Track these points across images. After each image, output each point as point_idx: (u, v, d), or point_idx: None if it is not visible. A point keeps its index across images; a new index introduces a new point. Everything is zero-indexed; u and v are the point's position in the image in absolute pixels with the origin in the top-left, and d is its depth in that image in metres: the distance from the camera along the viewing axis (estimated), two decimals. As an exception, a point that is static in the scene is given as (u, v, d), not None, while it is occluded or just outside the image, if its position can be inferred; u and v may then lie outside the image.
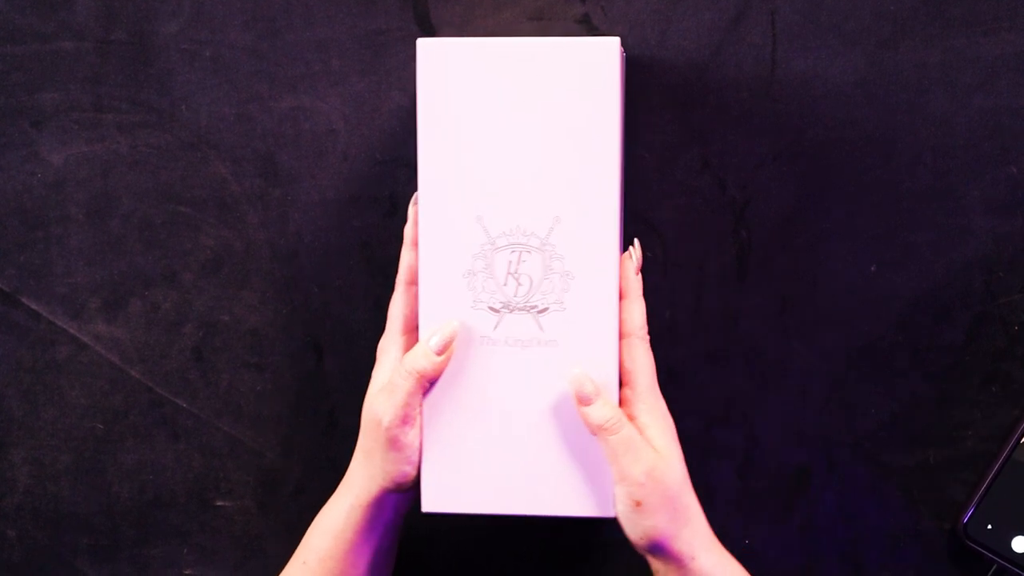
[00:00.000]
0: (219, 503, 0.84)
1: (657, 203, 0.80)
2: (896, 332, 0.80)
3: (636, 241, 0.73)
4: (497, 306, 0.71)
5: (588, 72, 0.70)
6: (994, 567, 0.79)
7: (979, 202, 0.79)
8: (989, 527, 0.79)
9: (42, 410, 0.84)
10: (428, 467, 0.72)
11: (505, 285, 0.71)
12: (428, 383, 0.71)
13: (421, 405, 0.71)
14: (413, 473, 0.72)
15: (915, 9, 0.78)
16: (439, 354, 0.71)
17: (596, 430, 0.70)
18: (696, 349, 0.81)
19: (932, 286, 0.80)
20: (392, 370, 0.72)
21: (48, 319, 0.83)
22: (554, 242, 0.71)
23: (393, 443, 0.71)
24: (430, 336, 0.71)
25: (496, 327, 0.72)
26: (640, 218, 0.80)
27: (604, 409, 0.70)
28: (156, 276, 0.82)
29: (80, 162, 0.82)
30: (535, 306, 0.71)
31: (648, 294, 0.80)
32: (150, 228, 0.82)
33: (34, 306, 0.83)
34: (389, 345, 0.74)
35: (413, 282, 0.73)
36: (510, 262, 0.71)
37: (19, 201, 0.82)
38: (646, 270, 0.80)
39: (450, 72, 0.70)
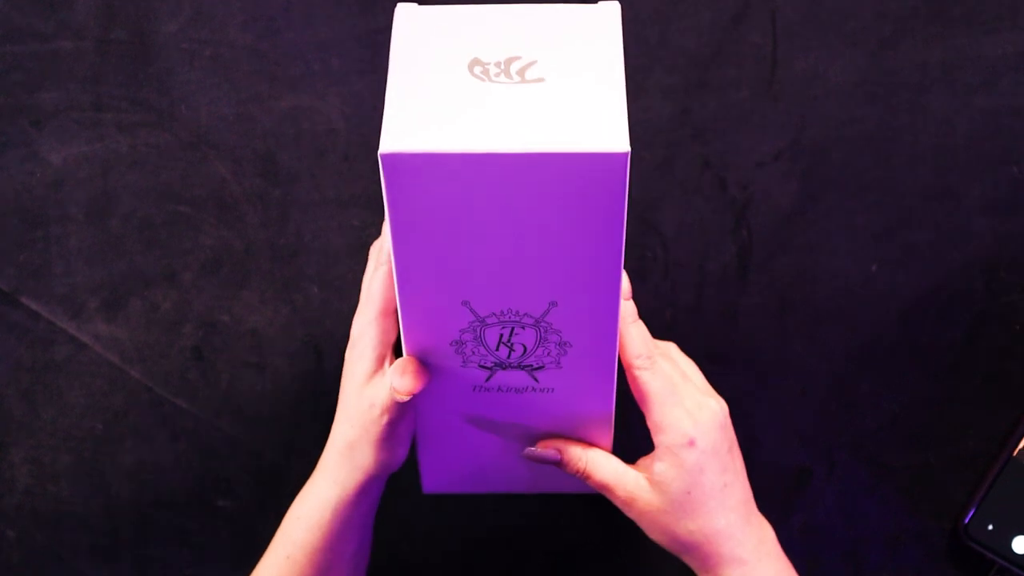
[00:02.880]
0: (219, 503, 0.84)
1: (657, 203, 0.80)
2: (897, 332, 0.80)
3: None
4: (489, 365, 0.66)
5: (592, 190, 0.58)
6: (995, 567, 0.79)
7: (980, 202, 0.79)
8: (990, 527, 0.79)
9: (41, 410, 0.84)
10: (425, 449, 0.70)
11: (497, 350, 0.66)
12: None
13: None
14: (405, 454, 0.71)
15: (916, 8, 0.78)
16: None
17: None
18: (697, 349, 0.81)
19: (933, 286, 0.80)
20: (369, 356, 0.69)
21: (47, 319, 0.83)
22: (551, 320, 0.63)
23: (390, 431, 0.68)
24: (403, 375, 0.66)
25: (488, 379, 0.67)
26: (640, 218, 0.80)
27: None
28: (156, 276, 0.82)
29: (80, 162, 0.81)
30: (530, 365, 0.66)
31: (648, 294, 0.80)
32: (150, 228, 0.82)
33: (33, 306, 0.83)
34: (366, 327, 0.69)
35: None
36: (501, 335, 0.65)
37: (18, 200, 0.82)
38: (647, 270, 0.80)
39: (421, 185, 0.57)
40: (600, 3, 0.63)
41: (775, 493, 0.82)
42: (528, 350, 0.65)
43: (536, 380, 0.67)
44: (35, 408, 0.84)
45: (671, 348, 0.75)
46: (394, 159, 0.56)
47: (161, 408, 0.83)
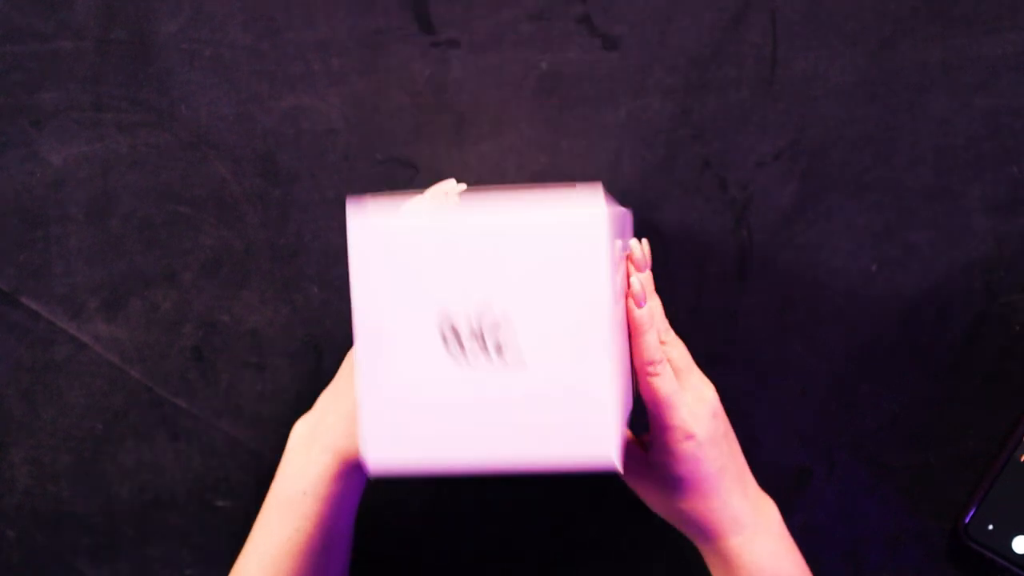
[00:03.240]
0: (219, 503, 0.84)
1: (657, 203, 0.80)
2: (897, 332, 0.80)
3: (633, 273, 0.66)
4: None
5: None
6: (995, 568, 0.79)
7: (980, 202, 0.79)
8: (990, 527, 0.78)
9: (41, 410, 0.84)
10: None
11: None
12: None
13: None
14: None
15: (916, 8, 0.78)
16: None
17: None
18: (696, 349, 0.81)
19: (933, 286, 0.80)
20: None
21: (47, 319, 0.83)
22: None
23: None
24: None
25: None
26: (640, 218, 0.80)
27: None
28: (156, 276, 0.82)
29: (80, 162, 0.81)
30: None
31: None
32: (150, 228, 0.82)
33: (33, 306, 0.83)
34: None
35: None
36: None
37: (18, 201, 0.82)
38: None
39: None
40: (584, 206, 0.56)
41: (775, 493, 0.82)
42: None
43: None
44: (35, 408, 0.84)
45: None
46: (379, 471, 0.58)
47: (161, 408, 0.83)
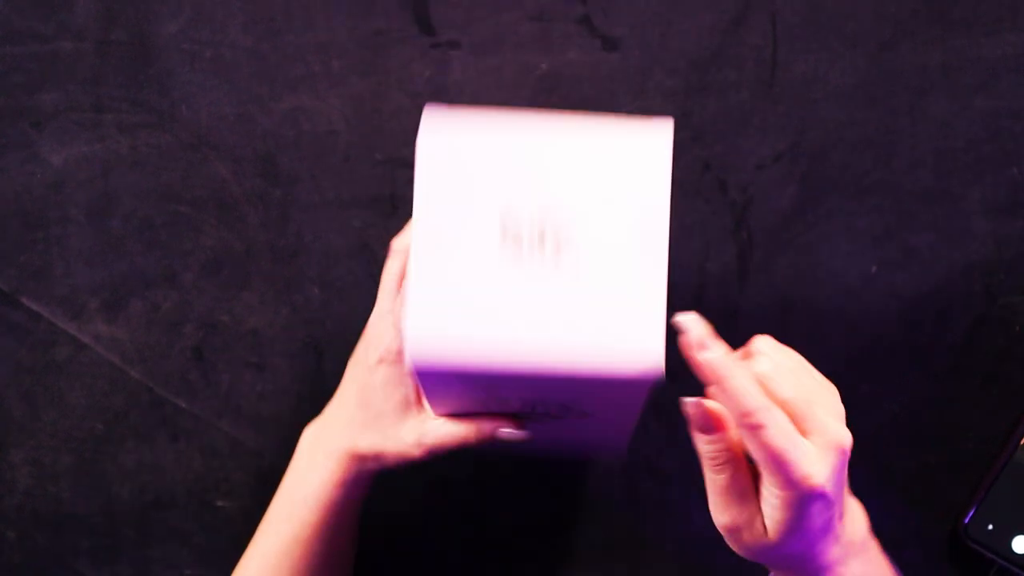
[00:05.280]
0: (219, 504, 0.84)
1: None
2: (896, 333, 0.80)
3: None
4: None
5: (618, 390, 0.57)
6: (995, 567, 0.79)
7: (980, 204, 0.79)
8: (990, 528, 0.79)
9: (42, 411, 0.84)
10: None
11: (521, 410, 0.65)
12: None
13: None
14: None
15: (916, 11, 0.78)
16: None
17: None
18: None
19: (932, 287, 0.80)
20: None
21: (48, 320, 0.83)
22: (573, 403, 0.62)
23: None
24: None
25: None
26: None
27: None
28: (156, 276, 0.82)
29: (80, 163, 0.81)
30: (553, 415, 0.64)
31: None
32: (150, 228, 0.82)
33: (34, 307, 0.83)
34: (384, 315, 0.69)
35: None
36: (524, 409, 0.65)
37: (19, 202, 0.82)
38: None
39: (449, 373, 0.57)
40: (652, 124, 0.57)
41: (775, 494, 0.82)
42: (551, 413, 0.64)
43: (558, 420, 0.66)
44: (36, 409, 0.84)
45: (765, 345, 0.63)
46: (419, 363, 0.56)
47: (162, 409, 0.84)
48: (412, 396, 0.68)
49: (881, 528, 0.82)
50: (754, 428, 0.56)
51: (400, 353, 0.67)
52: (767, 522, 0.60)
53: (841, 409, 0.61)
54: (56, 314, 0.83)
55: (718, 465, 0.60)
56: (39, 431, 0.84)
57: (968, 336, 0.80)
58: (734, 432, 0.60)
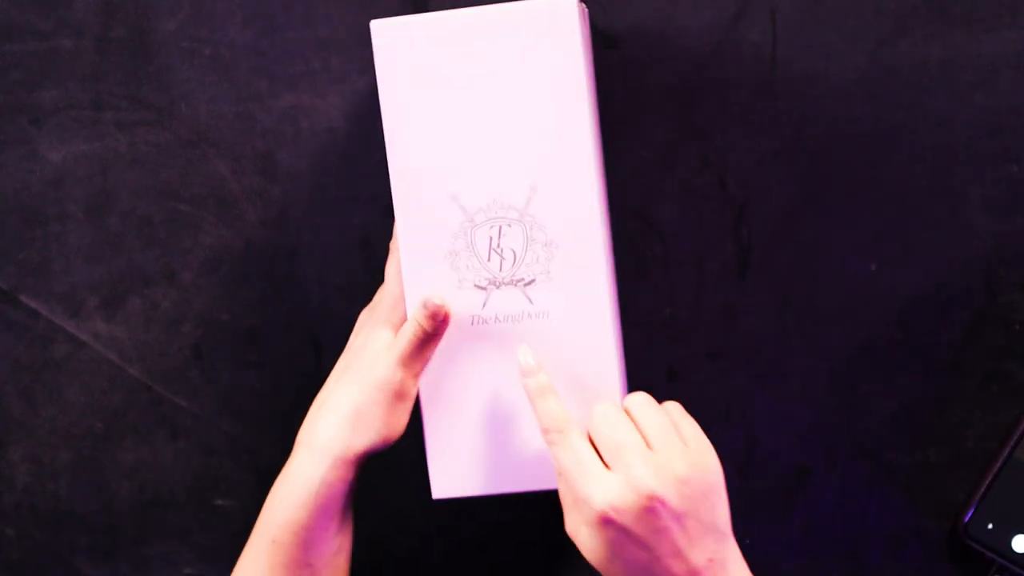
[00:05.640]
0: (218, 502, 0.84)
1: (657, 201, 0.80)
2: (896, 330, 0.80)
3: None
4: (483, 283, 0.71)
5: (548, 33, 0.69)
6: (995, 566, 0.79)
7: (979, 200, 0.79)
8: (990, 526, 0.78)
9: (41, 408, 0.84)
10: (433, 453, 0.73)
11: (489, 261, 0.71)
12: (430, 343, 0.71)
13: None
14: (406, 422, 0.72)
15: (916, 7, 0.78)
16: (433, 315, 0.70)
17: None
18: (696, 348, 0.81)
19: (932, 284, 0.79)
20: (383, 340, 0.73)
21: (47, 317, 0.83)
22: (533, 212, 0.70)
23: (401, 395, 0.71)
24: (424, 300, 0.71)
25: (484, 305, 0.71)
26: (640, 216, 0.80)
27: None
28: (155, 274, 0.82)
29: (79, 160, 0.81)
30: (521, 279, 0.71)
31: (648, 292, 0.80)
32: (149, 226, 0.82)
33: (33, 304, 0.83)
34: (385, 296, 0.74)
35: None
36: (491, 238, 0.70)
37: (18, 199, 0.82)
38: (646, 268, 0.80)
39: (408, 51, 0.70)
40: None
41: (775, 492, 0.82)
42: (517, 257, 0.70)
43: (531, 301, 0.71)
44: (34, 406, 0.84)
45: (633, 400, 0.70)
46: (382, 25, 0.71)
47: (160, 407, 0.83)
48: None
49: (880, 526, 0.82)
50: (549, 444, 0.66)
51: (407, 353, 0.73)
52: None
53: (694, 470, 0.65)
54: (55, 311, 0.83)
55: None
56: (38, 428, 0.84)
57: (968, 333, 0.80)
58: None
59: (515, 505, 0.83)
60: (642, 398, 0.68)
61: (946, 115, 0.78)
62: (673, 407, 0.69)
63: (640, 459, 0.64)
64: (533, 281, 0.71)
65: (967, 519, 0.79)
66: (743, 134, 0.79)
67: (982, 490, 0.79)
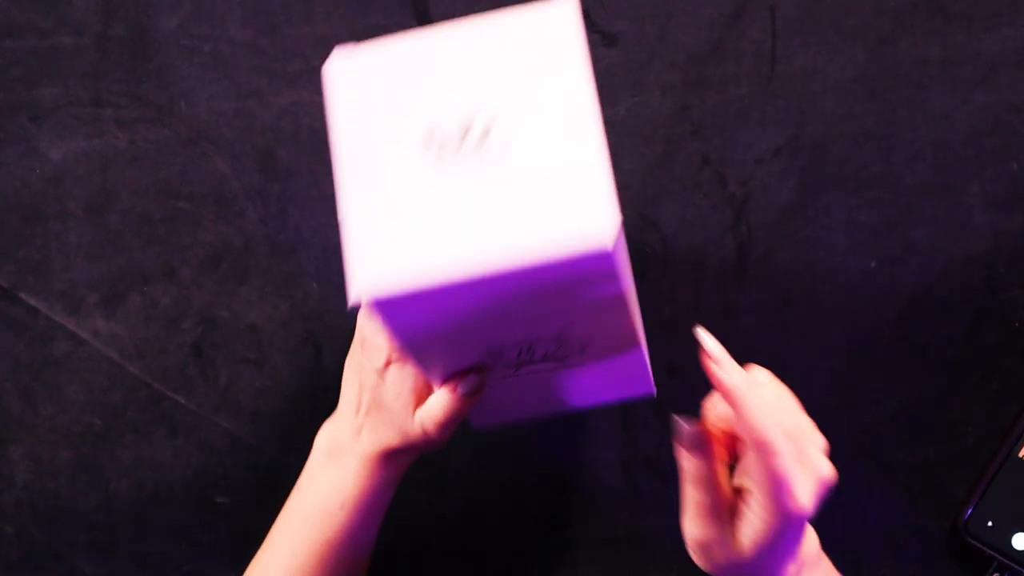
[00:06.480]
0: (218, 499, 0.84)
1: (656, 199, 0.80)
2: (896, 328, 0.80)
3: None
4: (513, 365, 0.63)
5: (580, 278, 0.54)
6: (995, 564, 0.79)
7: (979, 198, 0.79)
8: (990, 524, 0.78)
9: (40, 406, 0.84)
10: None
11: (518, 358, 0.63)
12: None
13: None
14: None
15: (915, 5, 0.78)
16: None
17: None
18: (696, 346, 0.81)
19: (932, 282, 0.80)
20: None
21: (46, 315, 0.83)
22: (567, 335, 0.61)
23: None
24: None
25: (517, 370, 0.64)
26: (639, 214, 0.80)
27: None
28: (155, 272, 0.82)
29: (79, 157, 0.82)
30: (554, 357, 0.63)
31: (647, 291, 0.80)
32: (149, 224, 0.82)
33: (32, 302, 0.83)
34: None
35: None
36: (520, 351, 0.62)
37: (18, 196, 0.82)
38: (646, 267, 0.80)
39: (408, 309, 0.55)
40: (552, 2, 0.55)
41: (774, 490, 0.82)
42: (549, 354, 0.63)
43: (563, 362, 0.64)
44: (34, 404, 0.84)
45: (764, 376, 0.65)
46: (374, 303, 0.53)
47: (160, 404, 0.83)
48: (420, 386, 0.68)
49: (880, 524, 0.82)
50: (769, 454, 0.58)
51: (401, 351, 0.67)
52: (744, 540, 0.61)
53: (825, 445, 0.63)
54: (55, 309, 0.83)
55: (700, 483, 0.62)
56: (37, 426, 0.84)
57: (968, 331, 0.80)
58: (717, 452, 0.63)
59: (516, 503, 0.83)
60: (765, 376, 0.64)
61: (945, 112, 0.78)
62: (761, 375, 0.64)
63: (814, 447, 0.61)
64: (566, 357, 0.63)
65: (967, 517, 0.79)
66: (743, 131, 0.79)
67: (982, 488, 0.79)
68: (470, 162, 0.54)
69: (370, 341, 0.70)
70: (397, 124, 0.54)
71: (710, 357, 0.61)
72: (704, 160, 0.79)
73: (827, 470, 0.61)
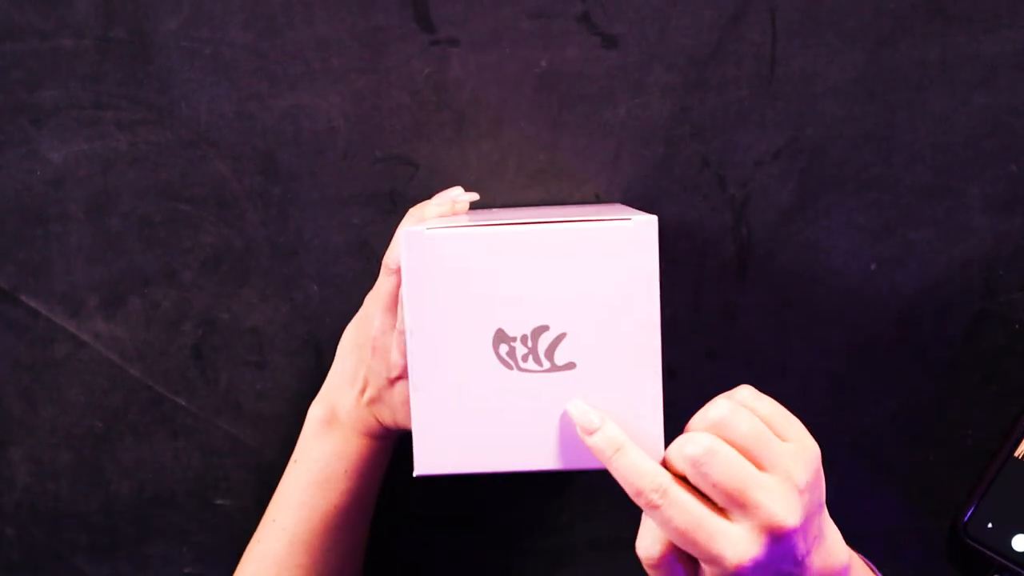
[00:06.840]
0: (218, 501, 0.84)
1: (656, 201, 0.80)
2: (896, 330, 0.80)
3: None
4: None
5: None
6: (995, 566, 0.79)
7: (979, 200, 0.79)
8: (989, 526, 0.78)
9: (41, 408, 0.84)
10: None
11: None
12: None
13: None
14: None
15: (915, 6, 0.78)
16: None
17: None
18: (696, 347, 0.81)
19: (932, 284, 0.80)
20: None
21: (47, 317, 0.83)
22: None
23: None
24: None
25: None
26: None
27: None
28: (155, 274, 0.82)
29: (80, 160, 0.81)
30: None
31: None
32: (150, 226, 0.82)
33: (33, 304, 0.83)
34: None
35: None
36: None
37: (18, 199, 0.82)
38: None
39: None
40: (634, 221, 0.60)
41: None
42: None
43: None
44: (34, 406, 0.84)
45: (744, 393, 0.62)
46: (428, 472, 0.62)
47: (161, 406, 0.83)
48: None
49: (880, 526, 0.82)
50: (649, 507, 0.56)
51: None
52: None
53: (809, 469, 0.58)
54: (55, 311, 0.83)
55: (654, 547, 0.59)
56: (38, 428, 0.84)
57: (967, 332, 0.80)
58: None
59: (516, 503, 0.83)
60: (725, 407, 0.58)
61: (945, 114, 0.78)
62: (749, 394, 0.61)
63: (760, 495, 0.56)
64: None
65: (967, 518, 0.79)
66: (742, 133, 0.79)
67: (982, 489, 0.79)
68: (535, 369, 0.60)
69: (376, 347, 0.73)
70: (470, 320, 0.60)
71: (583, 430, 0.60)
72: (704, 162, 0.79)
73: (771, 517, 0.56)
